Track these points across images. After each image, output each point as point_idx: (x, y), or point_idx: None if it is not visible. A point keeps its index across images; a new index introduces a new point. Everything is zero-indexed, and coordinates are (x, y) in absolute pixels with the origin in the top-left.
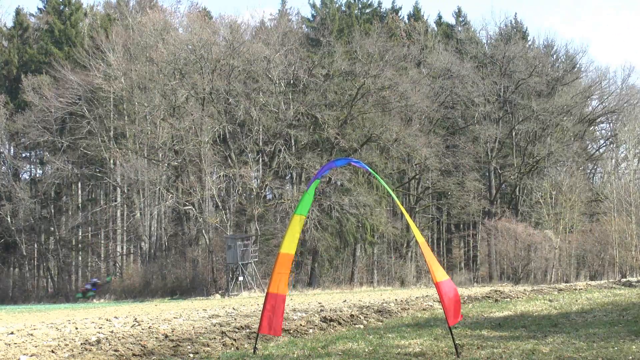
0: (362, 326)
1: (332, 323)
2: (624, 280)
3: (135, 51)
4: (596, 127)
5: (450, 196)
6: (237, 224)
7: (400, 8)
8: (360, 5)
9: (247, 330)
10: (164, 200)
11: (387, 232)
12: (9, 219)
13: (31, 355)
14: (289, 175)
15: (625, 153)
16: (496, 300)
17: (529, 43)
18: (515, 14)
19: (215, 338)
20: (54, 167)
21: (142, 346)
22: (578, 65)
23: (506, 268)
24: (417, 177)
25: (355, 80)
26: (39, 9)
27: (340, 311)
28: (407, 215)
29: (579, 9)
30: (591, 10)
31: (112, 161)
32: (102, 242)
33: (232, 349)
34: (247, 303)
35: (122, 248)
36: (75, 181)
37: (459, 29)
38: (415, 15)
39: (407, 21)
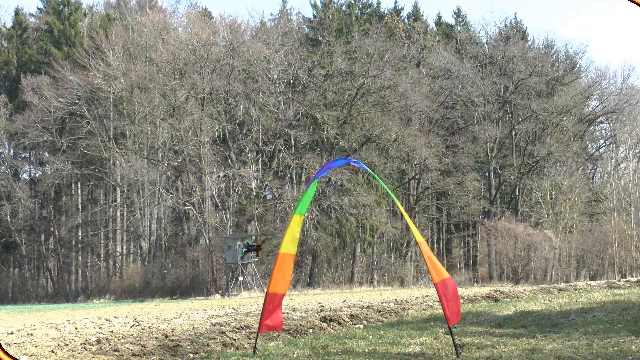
0: (362, 326)
1: (332, 323)
2: (623, 280)
3: (135, 51)
4: (596, 127)
5: (450, 196)
6: (237, 224)
7: (403, 8)
8: (360, 6)
9: (247, 330)
10: (163, 200)
11: (387, 232)
12: (9, 219)
13: (31, 355)
14: (289, 175)
15: (625, 153)
16: (496, 300)
17: (529, 43)
18: (515, 14)
19: (215, 338)
20: (54, 167)
21: (142, 346)
22: (578, 65)
23: (506, 268)
24: (416, 177)
25: (354, 80)
26: (38, 9)
27: (340, 311)
28: (406, 215)
29: (578, 8)
30: (591, 10)
31: (112, 161)
32: (102, 242)
33: (232, 349)
34: (247, 303)
35: (122, 248)
36: (75, 181)
37: (459, 29)
38: (415, 15)
39: (406, 21)
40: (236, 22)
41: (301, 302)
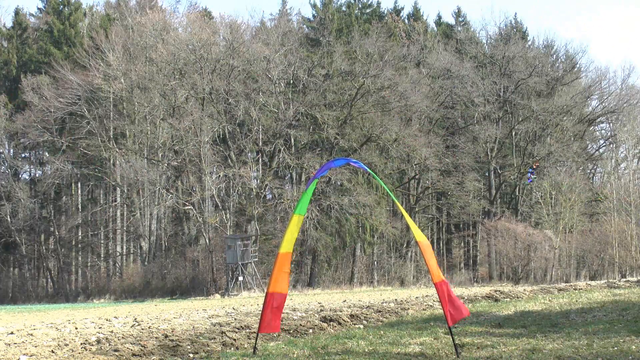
0: (362, 326)
1: (332, 323)
2: (623, 280)
3: (134, 51)
4: (596, 127)
5: (450, 196)
6: (237, 224)
7: (403, 8)
8: (360, 5)
9: (247, 330)
10: (163, 200)
11: (387, 232)
12: (8, 219)
13: (31, 355)
14: (289, 175)
15: (625, 153)
16: (496, 300)
17: (529, 43)
18: (515, 14)
19: (215, 338)
20: (54, 167)
21: (142, 346)
22: (578, 65)
23: (506, 268)
24: (417, 177)
25: (354, 80)
26: (38, 9)
27: (340, 311)
28: (406, 216)
29: (578, 8)
30: (591, 10)
31: (112, 161)
32: (102, 242)
33: (232, 349)
34: (247, 303)
35: (122, 248)
36: (75, 181)
37: (459, 28)
38: (415, 15)
39: (406, 21)
40: (236, 22)
41: (301, 302)
